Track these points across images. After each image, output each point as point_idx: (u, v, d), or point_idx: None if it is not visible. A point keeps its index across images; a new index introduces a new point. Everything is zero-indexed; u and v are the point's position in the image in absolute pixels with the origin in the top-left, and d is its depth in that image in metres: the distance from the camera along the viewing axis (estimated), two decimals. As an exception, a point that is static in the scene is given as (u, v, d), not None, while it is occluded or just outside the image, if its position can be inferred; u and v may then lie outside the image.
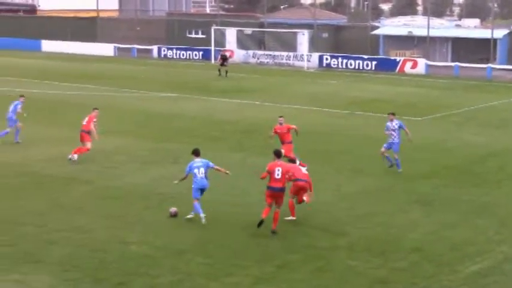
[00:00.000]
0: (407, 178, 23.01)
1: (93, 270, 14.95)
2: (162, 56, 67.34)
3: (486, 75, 53.20)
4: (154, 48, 68.30)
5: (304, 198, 18.43)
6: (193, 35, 71.66)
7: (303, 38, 60.83)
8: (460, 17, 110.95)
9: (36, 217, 18.40)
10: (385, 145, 24.05)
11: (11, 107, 27.47)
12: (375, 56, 59.51)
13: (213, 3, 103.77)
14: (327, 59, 59.92)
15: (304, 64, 59.22)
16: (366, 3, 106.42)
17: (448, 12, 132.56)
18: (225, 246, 16.53)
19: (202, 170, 18.31)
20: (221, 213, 19.04)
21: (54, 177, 22.43)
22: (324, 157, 25.66)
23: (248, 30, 66.95)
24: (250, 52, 63.61)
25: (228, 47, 64.82)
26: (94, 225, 17.86)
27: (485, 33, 59.31)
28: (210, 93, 42.37)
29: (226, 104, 38.96)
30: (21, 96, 28.33)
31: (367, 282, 14.61)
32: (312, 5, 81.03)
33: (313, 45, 62.37)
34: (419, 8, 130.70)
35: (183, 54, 66.54)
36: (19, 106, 27.52)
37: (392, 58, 58.80)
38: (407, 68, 56.52)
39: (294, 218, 18.32)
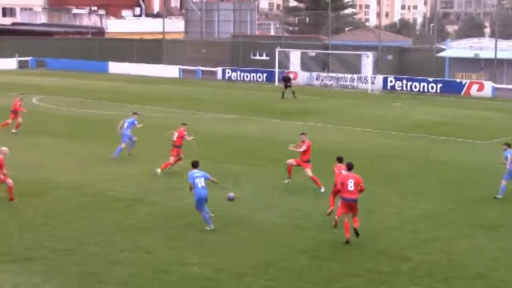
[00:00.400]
0: (472, 202, 22.65)
1: (154, 290, 15.07)
2: (226, 77, 67.84)
3: (555, 98, 52.18)
4: (219, 70, 68.86)
5: None
6: (257, 57, 72.05)
7: (367, 60, 60.64)
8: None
9: (101, 237, 18.65)
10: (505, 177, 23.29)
11: (126, 124, 28.86)
12: (440, 79, 58.89)
13: (278, 26, 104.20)
14: (391, 81, 59.55)
15: (368, 86, 58.94)
16: (432, 25, 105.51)
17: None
18: (286, 269, 16.50)
19: (202, 180, 19.58)
20: (282, 234, 19.02)
21: (118, 198, 22.72)
22: (387, 180, 25.44)
23: (312, 52, 67.01)
24: (314, 74, 63.62)
25: (291, 68, 64.97)
26: (157, 245, 18.02)
27: (554, 56, 58.19)
28: (273, 115, 42.46)
29: (289, 126, 38.97)
30: (135, 113, 29.86)
31: (430, 308, 14.40)
32: (377, 27, 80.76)
33: (378, 68, 62.09)
34: (487, 30, 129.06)
35: (247, 76, 66.93)
36: (133, 123, 29.03)
37: (458, 81, 58.11)
38: (474, 90, 55.76)
39: None
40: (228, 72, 68.18)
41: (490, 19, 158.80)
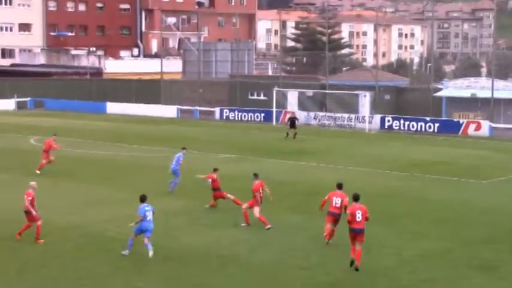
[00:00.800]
0: (469, 242, 22.60)
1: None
2: (224, 117, 68.03)
3: (552, 137, 52.28)
4: (217, 109, 69.08)
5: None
6: (255, 97, 72.29)
7: (365, 100, 60.87)
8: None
9: (97, 279, 18.55)
10: None
11: (174, 160, 30.37)
12: (438, 118, 59.05)
13: (275, 66, 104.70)
14: (388, 120, 59.73)
15: (366, 126, 59.08)
16: (429, 65, 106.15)
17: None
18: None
19: (151, 213, 20.90)
20: (281, 275, 18.93)
21: (115, 239, 22.64)
22: (385, 219, 25.38)
23: (309, 92, 67.26)
24: (312, 114, 63.80)
25: (289, 108, 65.13)
26: (154, 287, 17.90)
27: (550, 95, 58.43)
28: (271, 155, 42.49)
29: (287, 165, 38.99)
30: (184, 148, 31.66)
31: None
32: (374, 66, 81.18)
33: (375, 107, 62.30)
34: (483, 70, 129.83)
35: (244, 116, 67.10)
36: (181, 158, 30.49)
37: (455, 120, 58.29)
38: (471, 130, 55.91)
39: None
40: (226, 112, 68.38)
41: (486, 59, 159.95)
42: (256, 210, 24.18)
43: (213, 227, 24.40)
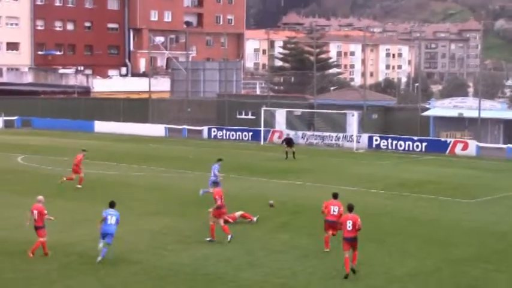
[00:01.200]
0: (458, 261, 22.56)
1: None
2: (212, 136, 67.99)
3: (539, 157, 52.47)
4: (205, 128, 69.05)
5: None
6: (243, 116, 72.32)
7: (353, 119, 60.97)
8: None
9: (83, 297, 18.39)
10: None
11: (212, 171, 32.80)
12: (425, 137, 59.21)
13: (263, 85, 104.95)
14: (376, 140, 59.85)
15: (354, 145, 59.16)
16: (416, 85, 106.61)
17: (499, 94, 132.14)
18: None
19: (114, 218, 21.99)
20: (267, 295, 18.83)
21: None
22: (374, 238, 25.33)
23: (297, 111, 67.35)
24: (300, 133, 63.84)
25: (277, 127, 65.23)
26: (139, 305, 17.78)
27: (537, 115, 58.75)
28: (259, 174, 42.43)
29: (275, 184, 38.93)
30: (219, 160, 33.99)
31: None
32: (362, 86, 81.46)
33: (363, 126, 62.42)
34: (470, 90, 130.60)
35: (232, 135, 67.09)
36: (217, 169, 32.92)
37: (442, 139, 58.45)
38: (458, 149, 56.07)
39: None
40: (214, 131, 68.35)
41: (473, 79, 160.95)
42: (221, 221, 24.72)
43: (200, 245, 24.28)
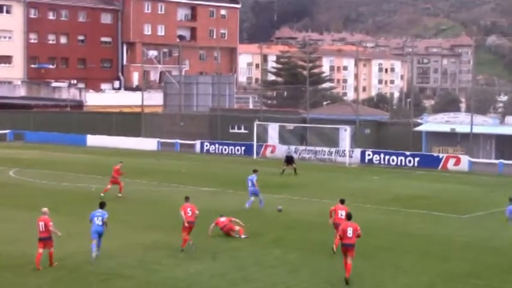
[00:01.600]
0: (450, 277, 22.57)
1: None
2: (205, 150, 68.00)
3: (531, 172, 52.61)
4: (197, 142, 69.06)
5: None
6: (235, 130, 72.38)
7: (345, 134, 61.06)
8: (504, 114, 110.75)
9: (75, 312, 18.34)
10: None
11: (249, 182, 34.57)
12: (418, 152, 59.33)
13: (256, 99, 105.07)
14: (369, 154, 59.94)
15: (346, 160, 59.21)
16: (409, 100, 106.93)
17: (491, 110, 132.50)
18: None
19: (100, 218, 23.74)
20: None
21: (94, 272, 22.42)
22: (366, 253, 25.32)
23: (290, 126, 67.43)
24: (292, 147, 63.85)
25: (270, 142, 65.29)
26: (132, 321, 17.73)
27: (529, 131, 58.94)
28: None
29: (268, 199, 38.88)
30: (255, 171, 35.74)
31: None
32: (354, 101, 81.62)
33: (355, 141, 62.53)
34: (462, 105, 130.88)
35: (225, 149, 67.11)
36: (255, 179, 34.63)
37: (435, 155, 58.57)
38: (450, 164, 56.19)
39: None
40: (207, 145, 68.37)
41: (465, 94, 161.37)
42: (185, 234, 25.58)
43: (193, 259, 24.25)
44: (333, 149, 61.67)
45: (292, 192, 41.29)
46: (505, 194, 42.79)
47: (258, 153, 63.61)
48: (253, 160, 60.81)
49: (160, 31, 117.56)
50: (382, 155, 59.37)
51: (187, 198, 26.46)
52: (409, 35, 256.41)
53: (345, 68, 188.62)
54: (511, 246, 27.56)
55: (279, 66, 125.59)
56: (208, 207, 35.43)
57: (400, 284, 21.72)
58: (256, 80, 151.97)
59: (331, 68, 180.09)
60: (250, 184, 34.74)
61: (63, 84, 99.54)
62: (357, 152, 60.38)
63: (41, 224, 22.88)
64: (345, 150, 60.32)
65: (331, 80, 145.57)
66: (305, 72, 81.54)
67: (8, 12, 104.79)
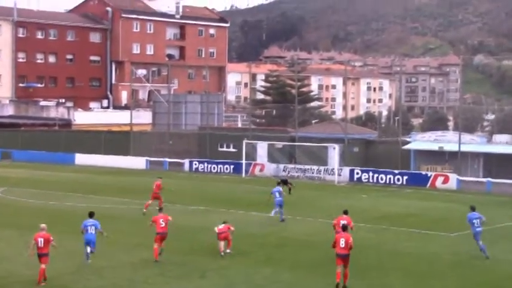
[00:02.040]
0: (439, 295, 22.58)
1: None
2: (194, 169, 67.92)
3: (519, 191, 52.76)
4: (186, 161, 68.99)
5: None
6: (224, 149, 72.37)
7: (334, 152, 61.14)
8: (492, 133, 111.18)
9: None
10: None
11: (276, 193, 36.76)
12: (406, 171, 59.44)
13: (245, 118, 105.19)
14: (357, 173, 60.02)
15: (335, 178, 59.27)
16: (397, 118, 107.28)
17: (479, 128, 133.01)
18: None
19: (93, 228, 25.29)
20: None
21: (81, 291, 22.32)
22: (355, 272, 25.25)
23: (279, 144, 67.49)
24: (281, 166, 63.92)
25: (258, 160, 65.33)
26: None
27: (517, 149, 59.18)
28: (241, 207, 42.35)
29: (257, 217, 38.87)
30: (278, 183, 38.73)
31: None
32: (343, 119, 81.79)
33: (344, 159, 62.59)
34: (450, 124, 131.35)
35: (214, 168, 67.06)
36: (281, 189, 37.43)
37: (423, 173, 58.71)
38: (439, 183, 56.33)
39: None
40: (195, 164, 68.31)
41: (453, 113, 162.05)
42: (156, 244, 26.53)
43: (181, 278, 24.17)
44: (322, 168, 61.73)
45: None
46: (493, 212, 42.96)
47: (246, 172, 63.61)
48: (242, 179, 60.79)
49: (149, 50, 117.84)
50: (370, 173, 59.46)
51: (160, 209, 28.45)
52: (397, 54, 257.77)
53: (334, 87, 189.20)
54: (499, 264, 27.62)
55: (268, 85, 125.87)
56: (198, 225, 35.42)
57: (389, 302, 21.69)
58: (245, 98, 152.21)
59: (320, 87, 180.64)
60: (277, 195, 36.82)
61: (52, 103, 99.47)
62: (346, 170, 60.46)
63: (40, 240, 23.10)
64: (333, 169, 60.39)
65: (319, 99, 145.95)
66: (294, 91, 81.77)
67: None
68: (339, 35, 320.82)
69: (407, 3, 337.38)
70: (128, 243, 30.01)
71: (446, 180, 56.26)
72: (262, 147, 66.67)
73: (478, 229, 28.34)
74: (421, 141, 63.75)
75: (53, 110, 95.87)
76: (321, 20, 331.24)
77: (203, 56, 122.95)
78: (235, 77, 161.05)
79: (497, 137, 71.03)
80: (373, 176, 59.21)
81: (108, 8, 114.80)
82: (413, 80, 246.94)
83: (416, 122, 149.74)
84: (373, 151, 66.06)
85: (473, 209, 29.32)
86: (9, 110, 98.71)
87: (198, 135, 75.59)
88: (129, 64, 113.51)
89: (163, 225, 26.55)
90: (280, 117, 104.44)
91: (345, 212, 28.50)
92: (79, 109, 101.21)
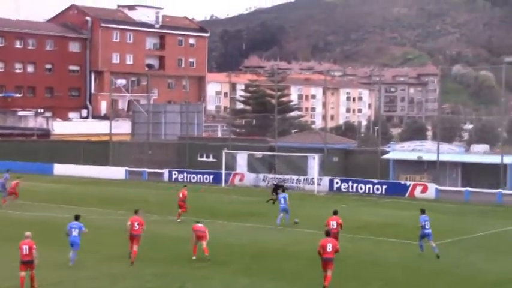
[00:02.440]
0: (418, 304, 22.63)
1: None
2: (173, 179, 67.75)
3: (497, 200, 53.10)
4: (165, 171, 68.82)
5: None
6: (204, 159, 72.29)
7: (314, 162, 61.23)
8: (470, 142, 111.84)
9: None
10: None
11: (282, 200, 38.80)
12: (385, 180, 59.64)
13: (225, 128, 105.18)
14: (337, 182, 60.13)
15: (315, 188, 59.35)
16: (376, 128, 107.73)
17: (457, 138, 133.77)
18: None
19: (77, 230, 26.58)
20: None
21: (60, 302, 22.18)
22: (333, 282, 25.29)
23: (259, 154, 67.49)
24: (261, 175, 63.93)
25: (238, 170, 65.31)
26: None
27: (495, 159, 59.57)
28: (219, 217, 42.29)
29: (236, 227, 38.84)
30: (283, 190, 40.52)
31: None
32: (322, 129, 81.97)
33: (324, 169, 62.70)
34: (429, 133, 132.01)
35: (193, 178, 66.92)
36: (287, 197, 39.06)
37: (402, 182, 58.91)
38: (418, 192, 56.55)
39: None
40: (175, 174, 68.17)
41: (431, 122, 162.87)
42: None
43: (161, 290, 24.09)
44: (301, 177, 61.79)
45: (259, 220, 41.25)
46: (472, 221, 43.23)
47: (226, 182, 63.55)
48: (221, 188, 60.73)
49: (129, 60, 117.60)
50: (350, 183, 59.61)
51: (136, 211, 28.90)
52: (376, 64, 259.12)
53: (313, 97, 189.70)
54: (479, 272, 27.76)
55: (248, 94, 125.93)
56: (177, 234, 35.32)
57: (368, 312, 21.72)
58: (225, 108, 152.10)
59: (300, 97, 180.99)
60: (282, 202, 38.68)
61: (30, 113, 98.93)
62: (325, 180, 60.57)
63: (25, 247, 23.08)
64: (313, 178, 60.48)
65: (299, 109, 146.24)
66: (273, 101, 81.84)
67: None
68: (319, 45, 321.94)
69: (386, 13, 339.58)
70: (109, 254, 29.86)
71: (425, 189, 56.50)
72: (242, 157, 66.67)
73: (427, 231, 30.22)
74: (400, 151, 64.01)
75: (32, 120, 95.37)
76: (301, 30, 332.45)
77: (183, 65, 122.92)
78: (215, 87, 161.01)
79: (475, 147, 71.59)
80: (352, 186, 59.36)
81: (88, 18, 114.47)
82: (392, 90, 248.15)
83: (395, 131, 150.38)
84: (352, 161, 66.23)
85: (423, 211, 31.40)
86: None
87: (178, 145, 75.47)
88: (109, 74, 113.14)
89: (137, 228, 27.84)
90: (259, 127, 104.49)
91: (335, 213, 30.77)
92: (58, 119, 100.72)
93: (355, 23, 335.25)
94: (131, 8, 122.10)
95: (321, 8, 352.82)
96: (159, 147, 75.92)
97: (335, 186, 60.00)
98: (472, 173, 59.64)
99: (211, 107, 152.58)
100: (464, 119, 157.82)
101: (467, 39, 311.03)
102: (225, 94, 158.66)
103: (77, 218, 27.38)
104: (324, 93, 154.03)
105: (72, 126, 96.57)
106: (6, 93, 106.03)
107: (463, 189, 56.31)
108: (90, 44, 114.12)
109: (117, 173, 70.57)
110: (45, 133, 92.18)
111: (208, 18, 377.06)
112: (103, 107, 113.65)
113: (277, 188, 50.61)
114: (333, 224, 29.85)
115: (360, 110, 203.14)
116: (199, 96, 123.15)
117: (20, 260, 23.04)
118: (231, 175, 64.52)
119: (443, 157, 59.56)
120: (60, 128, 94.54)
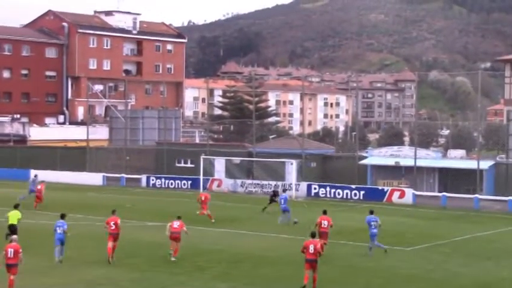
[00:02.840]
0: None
1: None
2: (151, 185, 67.54)
3: (473, 205, 53.41)
4: (143, 177, 68.58)
5: None
6: (182, 164, 72.15)
7: (291, 168, 61.27)
8: (446, 148, 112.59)
9: None
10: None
11: (282, 200, 41.14)
12: (363, 186, 59.82)
13: (203, 133, 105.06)
14: (315, 188, 60.21)
15: (293, 193, 59.37)
16: (354, 133, 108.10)
17: (434, 143, 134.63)
18: None
19: (61, 228, 28.47)
20: None
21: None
22: (310, 287, 25.38)
23: (236, 160, 67.48)
24: (239, 181, 63.90)
25: (216, 176, 65.24)
26: None
27: (471, 164, 60.01)
28: (197, 223, 42.11)
29: (214, 233, 38.78)
30: (285, 190, 44.59)
31: None
32: (300, 135, 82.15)
33: (302, 175, 62.79)
34: (406, 139, 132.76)
35: (171, 183, 66.76)
36: (287, 197, 41.86)
37: (380, 188, 59.12)
38: (395, 197, 56.76)
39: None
40: (153, 180, 67.95)
41: (408, 128, 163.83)
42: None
43: None
44: (280, 183, 61.77)
45: (237, 226, 41.23)
46: (448, 226, 43.49)
47: (204, 187, 63.39)
48: (199, 194, 60.50)
49: (106, 65, 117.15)
50: (328, 189, 59.72)
51: (113, 212, 30.31)
52: (353, 70, 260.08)
53: (291, 103, 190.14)
54: (455, 277, 27.91)
55: (225, 100, 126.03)
56: (156, 240, 35.21)
57: (346, 316, 21.77)
58: (203, 114, 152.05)
59: (277, 102, 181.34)
60: (282, 202, 40.90)
61: (6, 119, 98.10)
62: (303, 185, 60.64)
63: (10, 250, 23.09)
64: (291, 184, 60.51)
65: (277, 114, 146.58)
66: (251, 107, 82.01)
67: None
68: (296, 50, 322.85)
69: (363, 20, 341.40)
70: (82, 260, 29.71)
71: (402, 195, 56.73)
72: (219, 163, 66.61)
73: (374, 230, 31.71)
74: (378, 157, 64.26)
75: (8, 125, 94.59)
76: (278, 36, 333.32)
77: (160, 71, 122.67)
78: (193, 93, 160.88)
79: (452, 152, 72.17)
80: (330, 191, 59.48)
81: (65, 23, 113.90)
82: (370, 95, 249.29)
83: (372, 137, 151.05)
84: (330, 166, 66.39)
85: (371, 212, 33.16)
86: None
87: (156, 151, 75.27)
88: (86, 79, 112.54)
89: (114, 227, 29.32)
90: (237, 133, 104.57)
91: (324, 212, 32.54)
92: (34, 125, 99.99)
93: (332, 29, 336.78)
94: (108, 13, 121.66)
95: (298, 14, 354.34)
96: (136, 152, 75.66)
97: (313, 191, 60.08)
98: (448, 178, 60.03)
99: (189, 112, 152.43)
100: (441, 124, 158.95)
101: (443, 45, 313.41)
102: (203, 100, 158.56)
103: (62, 216, 29.15)
104: (302, 99, 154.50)
105: (49, 132, 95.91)
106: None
107: (439, 194, 56.62)
108: (67, 50, 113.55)
109: (94, 178, 70.21)
110: (22, 139, 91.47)
111: (185, 24, 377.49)
112: (80, 112, 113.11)
113: (275, 195, 50.29)
114: (324, 224, 31.41)
115: (337, 116, 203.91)
116: (176, 102, 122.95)
117: (4, 263, 22.93)
118: (209, 181, 64.41)
119: (421, 162, 59.90)
120: (37, 133, 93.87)
